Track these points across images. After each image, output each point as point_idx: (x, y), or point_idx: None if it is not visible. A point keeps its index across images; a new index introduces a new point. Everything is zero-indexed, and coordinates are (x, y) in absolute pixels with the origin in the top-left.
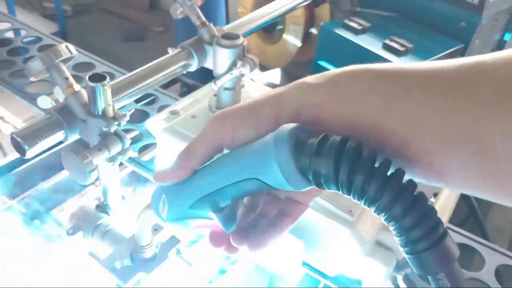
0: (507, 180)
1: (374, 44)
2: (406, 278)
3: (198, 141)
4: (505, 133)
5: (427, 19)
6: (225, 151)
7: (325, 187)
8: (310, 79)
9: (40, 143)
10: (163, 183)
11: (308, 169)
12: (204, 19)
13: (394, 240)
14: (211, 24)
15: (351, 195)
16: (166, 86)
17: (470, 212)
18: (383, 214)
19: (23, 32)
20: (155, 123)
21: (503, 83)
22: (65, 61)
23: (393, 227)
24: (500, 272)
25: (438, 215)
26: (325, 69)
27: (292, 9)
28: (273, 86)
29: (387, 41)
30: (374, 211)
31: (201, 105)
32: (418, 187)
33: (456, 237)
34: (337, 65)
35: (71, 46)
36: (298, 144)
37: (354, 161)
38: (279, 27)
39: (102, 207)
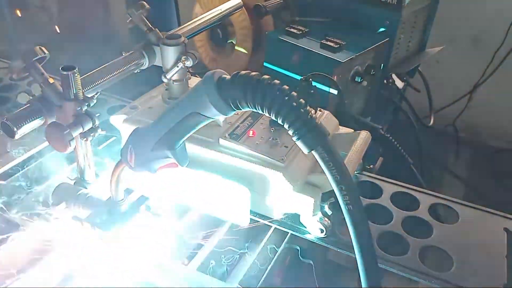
0: None
1: (313, 45)
2: (332, 206)
3: None
4: None
5: (356, 21)
6: None
7: (241, 108)
8: None
9: (26, 126)
10: None
11: (228, 98)
12: (150, 25)
13: (319, 178)
14: (157, 29)
15: (257, 109)
16: None
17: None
18: (278, 118)
19: None
20: (118, 117)
21: None
22: (40, 60)
23: (285, 124)
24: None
25: (350, 160)
26: (275, 71)
27: (226, 16)
28: None
29: (323, 41)
30: (272, 116)
31: (156, 99)
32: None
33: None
34: (283, 66)
35: (44, 48)
36: (219, 80)
37: (254, 86)
38: (231, 40)
39: (80, 183)
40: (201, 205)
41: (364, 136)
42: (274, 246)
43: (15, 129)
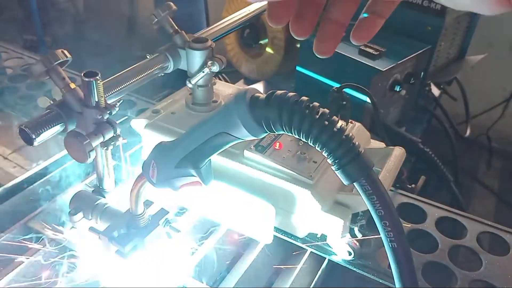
0: None
1: (351, 51)
2: (361, 229)
3: None
4: None
5: (397, 26)
6: None
7: (275, 130)
8: None
9: (44, 133)
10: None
11: (261, 119)
12: (176, 27)
13: (350, 198)
14: (183, 32)
15: (292, 133)
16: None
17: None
18: (317, 143)
19: (4, 55)
20: (139, 122)
21: None
22: (62, 64)
23: (324, 152)
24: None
25: (384, 178)
26: (308, 76)
27: (255, 16)
28: None
29: (362, 47)
30: (310, 142)
31: (179, 104)
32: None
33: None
34: (317, 71)
35: (66, 51)
36: (252, 101)
37: (292, 108)
38: (261, 41)
39: (98, 192)
40: (223, 219)
41: (398, 153)
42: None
43: (34, 136)
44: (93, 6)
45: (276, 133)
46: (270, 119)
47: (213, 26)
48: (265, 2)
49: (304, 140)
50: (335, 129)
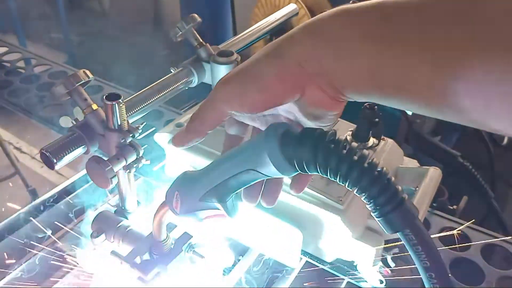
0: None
1: None
2: (395, 257)
3: (208, 107)
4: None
5: None
6: (235, 114)
7: (308, 171)
8: (302, 30)
9: (66, 157)
10: (180, 147)
11: (293, 158)
12: (201, 40)
13: None
14: (208, 44)
15: (328, 176)
16: None
17: (489, 210)
18: (355, 188)
19: (33, 61)
20: (163, 136)
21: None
22: (83, 84)
23: (364, 197)
24: None
25: (419, 203)
26: None
27: (282, 24)
28: None
29: None
30: (347, 186)
31: None
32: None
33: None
34: None
35: (88, 72)
36: (284, 138)
37: (327, 148)
38: None
39: (121, 212)
40: (248, 242)
41: (434, 174)
42: None
43: (55, 160)
44: (119, 4)
45: (309, 173)
46: (303, 159)
47: (239, 35)
48: None
49: (340, 183)
50: (376, 173)
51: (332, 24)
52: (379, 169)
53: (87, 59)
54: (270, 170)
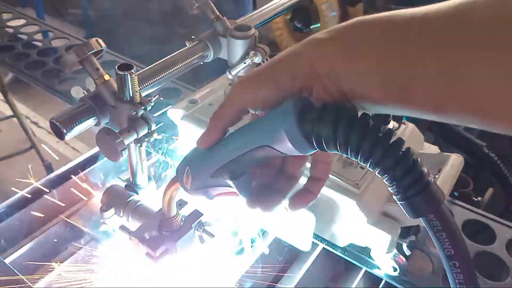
0: None
1: None
2: (411, 245)
3: (226, 105)
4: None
5: None
6: (251, 111)
7: (326, 149)
8: (321, 34)
9: (76, 127)
10: (206, 147)
11: (311, 134)
12: (218, 13)
13: (399, 210)
14: (225, 18)
15: (348, 154)
16: None
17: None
18: (377, 168)
19: (50, 34)
20: (176, 112)
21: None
22: (96, 53)
23: (386, 179)
24: None
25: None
26: None
27: (301, 0)
28: None
29: None
30: (369, 167)
31: (217, 94)
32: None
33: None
34: None
35: (100, 40)
36: (302, 113)
37: (349, 124)
38: (315, 25)
39: (131, 187)
40: (260, 223)
41: (455, 161)
42: None
43: (65, 131)
44: None
45: (328, 151)
46: (322, 136)
47: (259, 10)
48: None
49: (361, 163)
50: (400, 153)
51: (347, 31)
52: (404, 149)
53: (106, 34)
54: (286, 147)
